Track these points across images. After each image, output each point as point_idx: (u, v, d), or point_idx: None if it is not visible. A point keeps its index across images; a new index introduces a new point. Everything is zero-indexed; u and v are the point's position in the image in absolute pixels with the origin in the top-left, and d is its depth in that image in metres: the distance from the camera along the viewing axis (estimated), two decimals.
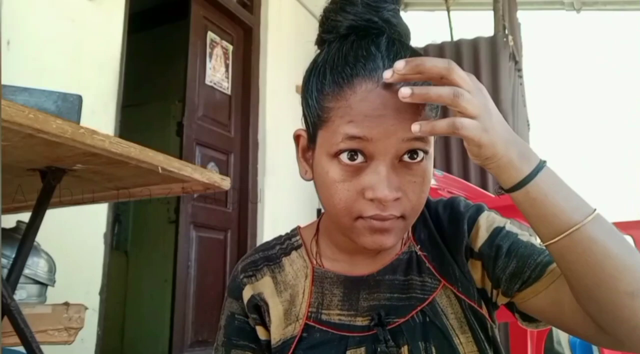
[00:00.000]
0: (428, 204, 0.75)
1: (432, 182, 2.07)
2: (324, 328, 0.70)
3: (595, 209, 0.56)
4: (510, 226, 0.70)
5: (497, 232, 0.69)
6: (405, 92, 0.53)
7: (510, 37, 3.69)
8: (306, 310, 0.72)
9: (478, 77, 3.66)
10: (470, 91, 0.54)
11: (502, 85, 3.60)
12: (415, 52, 0.65)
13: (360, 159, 0.61)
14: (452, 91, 0.53)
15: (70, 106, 1.12)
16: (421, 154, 0.62)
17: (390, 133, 0.59)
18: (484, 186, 3.34)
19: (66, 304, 1.50)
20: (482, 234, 0.69)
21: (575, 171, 6.26)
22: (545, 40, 6.65)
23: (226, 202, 3.32)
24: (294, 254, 0.77)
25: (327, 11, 0.67)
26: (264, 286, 0.75)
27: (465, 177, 3.39)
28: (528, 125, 4.51)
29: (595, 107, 6.76)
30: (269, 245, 0.79)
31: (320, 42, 0.69)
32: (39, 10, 2.07)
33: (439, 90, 0.54)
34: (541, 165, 0.56)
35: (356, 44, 0.63)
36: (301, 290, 0.73)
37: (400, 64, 0.54)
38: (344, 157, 0.61)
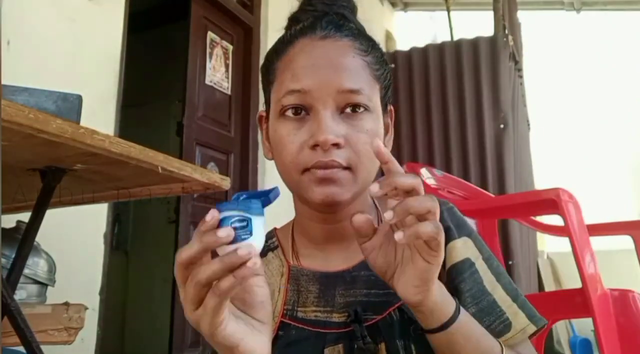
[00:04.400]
0: None
1: (432, 182, 2.08)
2: (300, 325, 0.69)
3: (501, 348, 0.60)
4: (481, 264, 0.68)
5: (467, 265, 0.68)
6: (391, 210, 0.51)
7: (510, 37, 3.69)
8: (282, 308, 0.71)
9: (478, 77, 3.69)
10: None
11: (502, 85, 3.60)
12: (360, 30, 0.71)
13: (303, 113, 0.65)
14: (434, 225, 0.51)
15: (70, 106, 1.12)
16: (362, 109, 0.65)
17: (325, 83, 0.63)
18: (484, 186, 3.34)
19: (66, 304, 1.50)
20: (454, 257, 0.68)
21: (575, 171, 6.26)
22: (545, 40, 6.66)
23: None
24: (270, 255, 0.76)
25: (292, 14, 0.74)
26: None
27: (465, 177, 3.39)
28: (528, 125, 4.51)
29: (595, 107, 6.76)
30: None
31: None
32: (39, 10, 2.07)
33: (426, 226, 0.50)
34: (458, 309, 0.58)
35: (303, 21, 0.70)
36: (277, 289, 0.72)
37: (374, 188, 0.52)
38: (289, 113, 0.65)
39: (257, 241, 0.51)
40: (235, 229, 0.51)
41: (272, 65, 0.70)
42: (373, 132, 0.65)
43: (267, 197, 0.54)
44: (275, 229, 0.80)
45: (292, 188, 0.68)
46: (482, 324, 0.64)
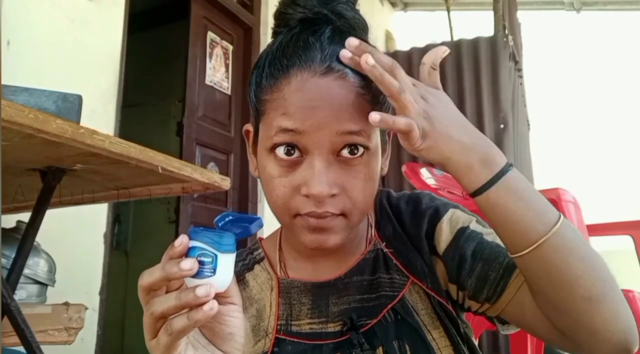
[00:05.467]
0: (390, 199, 0.73)
1: (432, 182, 2.08)
2: (296, 340, 0.67)
3: (560, 216, 0.55)
4: (475, 224, 0.67)
5: (460, 234, 0.66)
6: (371, 60, 0.53)
7: (510, 37, 3.69)
8: (275, 324, 0.69)
9: (478, 77, 3.69)
10: (413, 95, 0.54)
11: (502, 85, 3.60)
12: (359, 23, 0.66)
13: (296, 154, 0.59)
14: (400, 86, 0.53)
15: (70, 106, 1.12)
16: (361, 150, 0.60)
17: (323, 125, 0.57)
18: None
19: (66, 304, 1.50)
20: (446, 236, 0.67)
21: (575, 171, 6.26)
22: (545, 40, 6.65)
23: (226, 202, 3.32)
24: (257, 268, 0.74)
25: (280, 4, 0.66)
26: None
27: None
28: (528, 125, 4.51)
29: (595, 107, 6.76)
30: None
31: (273, 36, 0.68)
32: (39, 10, 2.06)
33: (391, 78, 0.53)
34: (505, 170, 0.55)
35: (296, 36, 0.62)
36: (268, 304, 0.70)
37: (354, 42, 0.55)
38: (280, 151, 0.59)
39: (219, 280, 0.49)
40: (200, 263, 0.49)
41: (262, 94, 0.62)
42: (371, 175, 0.61)
43: (247, 229, 0.52)
44: (260, 239, 0.78)
45: (284, 226, 0.65)
46: (492, 269, 0.62)
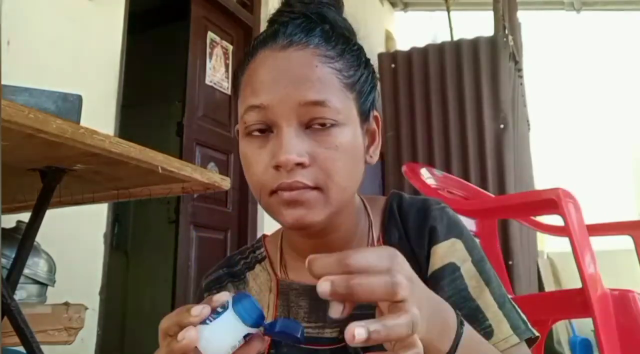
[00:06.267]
0: (401, 204, 0.71)
1: (432, 182, 2.08)
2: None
3: None
4: (469, 266, 0.64)
5: (447, 271, 0.63)
6: (359, 334, 0.42)
7: (510, 37, 3.69)
8: None
9: (478, 77, 3.69)
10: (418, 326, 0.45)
11: (502, 85, 3.60)
12: (332, 32, 0.63)
13: (267, 131, 0.60)
14: (410, 329, 0.43)
15: (70, 106, 1.12)
16: (331, 122, 0.59)
17: (284, 97, 0.58)
18: (484, 186, 3.34)
19: (66, 304, 1.50)
20: (435, 261, 0.64)
21: (575, 171, 6.26)
22: (545, 40, 6.65)
23: (226, 202, 3.32)
24: (257, 267, 0.74)
25: (272, 15, 0.68)
26: None
27: (465, 177, 3.39)
28: (528, 125, 4.51)
29: (595, 107, 6.76)
30: (233, 261, 0.76)
31: None
32: (39, 10, 2.07)
33: (400, 330, 0.43)
34: (460, 332, 0.50)
35: (268, 27, 0.65)
36: (266, 305, 0.70)
37: (360, 332, 0.43)
38: (255, 131, 0.61)
39: (209, 334, 0.48)
40: (214, 312, 0.49)
41: (236, 80, 0.65)
42: (345, 147, 0.59)
43: (277, 326, 0.50)
44: (264, 237, 0.77)
45: (265, 210, 0.63)
46: None
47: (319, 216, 0.59)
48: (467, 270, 0.64)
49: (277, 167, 0.58)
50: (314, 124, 0.59)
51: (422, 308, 0.45)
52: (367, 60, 0.67)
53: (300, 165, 0.58)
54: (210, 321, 0.48)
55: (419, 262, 0.66)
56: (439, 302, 0.52)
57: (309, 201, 0.59)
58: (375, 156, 0.67)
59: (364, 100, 0.64)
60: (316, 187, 0.59)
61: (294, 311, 0.69)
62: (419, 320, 0.44)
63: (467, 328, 0.53)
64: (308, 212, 0.59)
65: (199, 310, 0.48)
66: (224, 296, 0.50)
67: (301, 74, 0.59)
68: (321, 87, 0.59)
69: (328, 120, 0.59)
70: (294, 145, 0.57)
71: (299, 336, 0.50)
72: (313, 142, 0.59)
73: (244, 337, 0.49)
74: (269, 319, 0.68)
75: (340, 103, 0.60)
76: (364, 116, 0.64)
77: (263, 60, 0.61)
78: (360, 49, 0.66)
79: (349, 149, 0.60)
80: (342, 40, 0.64)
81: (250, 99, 0.60)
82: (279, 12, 0.67)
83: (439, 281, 0.63)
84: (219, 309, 0.49)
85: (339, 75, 0.60)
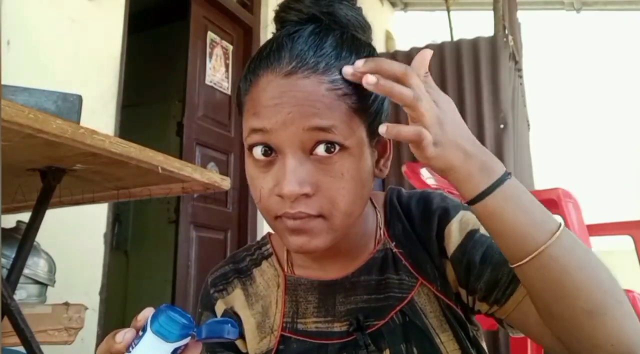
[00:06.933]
0: (400, 197, 0.72)
1: (432, 182, 2.07)
2: (301, 338, 0.67)
3: (560, 225, 0.54)
4: (485, 231, 0.64)
5: (470, 238, 0.64)
6: (371, 79, 0.51)
7: (510, 37, 3.69)
8: (281, 321, 0.68)
9: (478, 77, 3.69)
10: (425, 99, 0.52)
11: (502, 85, 3.60)
12: (343, 45, 0.61)
13: (272, 154, 0.59)
14: (413, 93, 0.51)
15: (70, 106, 1.12)
16: (337, 147, 0.57)
17: (289, 122, 0.56)
18: None
19: (66, 304, 1.50)
20: (455, 239, 0.65)
21: (575, 171, 6.26)
22: (545, 40, 6.65)
23: (226, 202, 3.32)
24: (264, 264, 0.74)
25: (278, 8, 0.66)
26: (235, 299, 0.73)
27: None
28: (528, 125, 4.51)
29: (595, 107, 6.76)
30: (239, 257, 0.77)
31: None
32: (39, 10, 2.07)
33: (402, 88, 0.51)
34: (503, 178, 0.54)
35: (274, 38, 0.62)
36: (274, 300, 0.70)
37: (359, 63, 0.53)
38: (257, 152, 0.59)
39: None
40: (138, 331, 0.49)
41: (240, 97, 0.63)
42: (352, 174, 0.58)
43: (199, 330, 0.51)
44: (269, 234, 0.77)
45: (271, 228, 0.63)
46: (501, 273, 0.61)
47: (323, 242, 0.59)
48: (485, 232, 0.64)
49: (280, 196, 0.58)
50: (319, 151, 0.57)
51: (447, 114, 0.54)
52: None
53: (304, 195, 0.57)
54: (133, 347, 0.48)
55: (427, 247, 0.67)
56: (481, 148, 0.56)
57: (313, 229, 0.58)
58: (385, 169, 0.66)
59: (375, 117, 0.61)
60: (319, 215, 0.58)
61: (303, 306, 0.69)
62: (432, 104, 0.52)
63: (517, 182, 0.55)
64: (312, 240, 0.59)
65: (122, 336, 0.49)
66: (147, 312, 0.50)
67: (306, 100, 0.56)
68: (327, 113, 0.56)
69: (335, 144, 0.57)
70: (298, 175, 0.56)
71: (226, 335, 0.50)
72: (318, 170, 0.57)
73: (174, 352, 0.49)
74: (277, 315, 0.68)
75: (348, 128, 0.57)
76: (374, 133, 0.61)
77: (266, 85, 0.58)
78: (371, 54, 0.64)
79: (355, 175, 0.59)
80: (354, 53, 0.60)
81: (253, 122, 0.58)
82: (286, 8, 0.64)
83: (467, 249, 0.64)
84: (140, 332, 0.49)
85: (347, 100, 0.58)
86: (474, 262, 0.63)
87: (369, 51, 0.64)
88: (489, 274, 0.62)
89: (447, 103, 0.55)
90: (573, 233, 0.56)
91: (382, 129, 0.52)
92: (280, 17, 0.65)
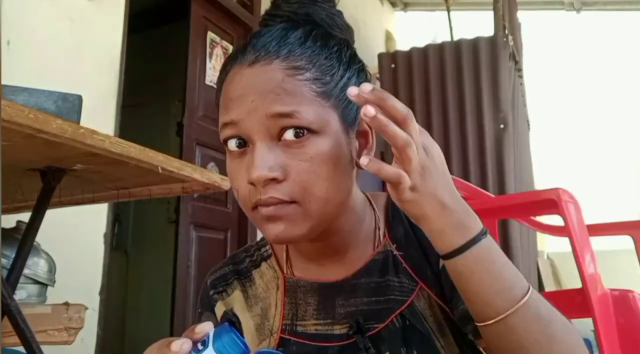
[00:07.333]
0: None
1: None
2: (301, 340, 0.67)
3: (527, 293, 0.54)
4: None
5: None
6: (369, 112, 0.48)
7: (510, 37, 3.69)
8: (280, 323, 0.68)
9: (478, 77, 3.69)
10: (417, 147, 0.51)
11: (502, 85, 3.60)
12: (309, 35, 0.61)
13: (245, 146, 0.60)
14: (407, 139, 0.49)
15: (70, 106, 1.12)
16: (306, 132, 0.57)
17: (251, 110, 0.58)
18: (484, 186, 3.34)
19: (66, 304, 1.50)
20: None
21: (575, 171, 6.26)
22: (545, 40, 6.66)
23: (226, 202, 3.32)
24: (263, 265, 0.73)
25: (261, 17, 0.68)
26: (234, 300, 0.73)
27: (465, 177, 3.39)
28: (528, 125, 4.51)
29: (595, 107, 6.76)
30: (238, 258, 0.76)
31: None
32: (39, 10, 2.07)
33: (397, 130, 0.49)
34: (477, 238, 0.53)
35: (248, 37, 0.64)
36: (273, 302, 0.70)
37: (366, 87, 0.50)
38: (232, 145, 0.61)
39: None
40: (195, 344, 0.49)
41: (217, 95, 0.65)
42: (323, 157, 0.58)
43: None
44: None
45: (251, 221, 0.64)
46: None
47: (300, 230, 0.59)
48: None
49: (251, 183, 0.58)
50: (287, 136, 0.57)
51: (434, 164, 0.52)
52: (351, 58, 0.64)
53: (274, 180, 0.57)
54: None
55: (427, 253, 0.66)
56: (464, 203, 0.54)
57: (287, 215, 0.58)
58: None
59: (347, 104, 0.61)
60: (293, 201, 0.58)
61: (303, 308, 0.68)
62: (421, 151, 0.51)
63: (491, 243, 0.55)
64: (287, 227, 0.58)
65: (179, 346, 0.48)
66: (206, 327, 0.49)
67: (267, 87, 0.58)
68: (289, 99, 0.57)
69: (303, 129, 0.57)
70: (266, 160, 0.57)
71: None
72: (287, 155, 0.58)
73: None
74: (276, 318, 0.68)
75: (313, 113, 0.58)
76: (350, 120, 0.62)
77: (232, 77, 0.61)
78: (340, 49, 0.63)
79: (327, 159, 0.58)
80: (320, 43, 0.61)
81: (223, 116, 0.61)
82: (266, 14, 0.67)
83: None
84: (199, 346, 0.48)
85: (311, 85, 0.58)
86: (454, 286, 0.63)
87: (339, 44, 0.63)
88: (464, 308, 0.61)
89: (438, 154, 0.53)
90: (542, 299, 0.56)
91: (364, 161, 0.50)
92: (260, 23, 0.67)
